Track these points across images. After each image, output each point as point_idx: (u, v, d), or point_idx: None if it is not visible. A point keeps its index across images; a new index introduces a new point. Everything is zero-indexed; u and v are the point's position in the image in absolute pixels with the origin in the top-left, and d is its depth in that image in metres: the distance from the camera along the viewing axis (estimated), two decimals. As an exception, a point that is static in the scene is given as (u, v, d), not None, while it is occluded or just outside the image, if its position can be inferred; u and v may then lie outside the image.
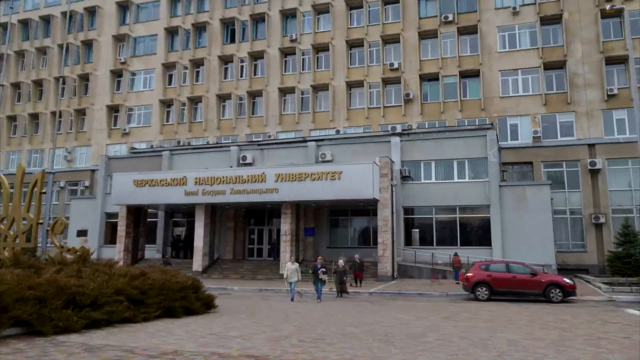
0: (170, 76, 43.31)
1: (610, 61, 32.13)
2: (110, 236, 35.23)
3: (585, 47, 32.86)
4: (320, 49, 38.86)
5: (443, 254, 27.67)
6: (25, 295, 7.72)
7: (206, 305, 12.07)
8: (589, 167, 30.91)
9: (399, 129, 32.77)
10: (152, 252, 33.32)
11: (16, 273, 8.42)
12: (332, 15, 38.84)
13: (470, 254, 27.42)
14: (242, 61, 41.05)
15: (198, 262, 28.86)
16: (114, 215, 34.81)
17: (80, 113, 45.41)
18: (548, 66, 33.29)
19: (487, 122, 33.20)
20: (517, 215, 27.44)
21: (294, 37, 39.31)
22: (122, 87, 44.46)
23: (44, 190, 15.35)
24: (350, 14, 38.76)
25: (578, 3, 33.33)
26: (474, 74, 34.92)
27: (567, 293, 17.22)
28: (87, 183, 42.59)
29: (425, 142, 29.86)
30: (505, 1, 35.10)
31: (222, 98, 41.13)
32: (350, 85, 37.63)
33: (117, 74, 44.84)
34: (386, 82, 36.70)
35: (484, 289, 17.88)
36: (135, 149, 39.54)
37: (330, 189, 25.61)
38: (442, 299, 19.00)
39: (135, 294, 9.53)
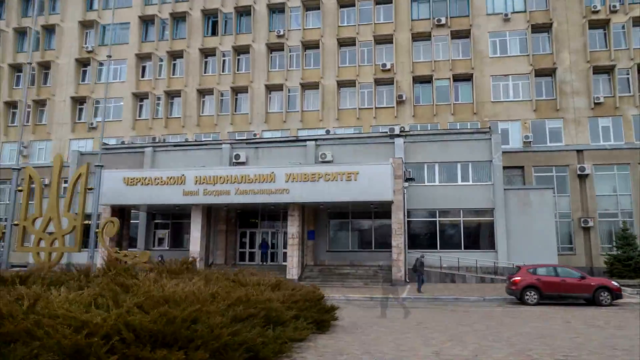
0: (144, 68, 40.67)
1: (597, 70, 33.37)
2: (79, 239, 32.31)
3: (573, 56, 33.97)
4: (310, 46, 37.81)
5: (450, 258, 27.55)
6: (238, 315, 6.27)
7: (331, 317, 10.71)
8: (578, 173, 31.91)
9: (396, 130, 32.34)
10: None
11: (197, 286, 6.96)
12: (322, 12, 37.91)
13: (475, 257, 27.53)
14: (224, 55, 39.22)
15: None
16: (86, 216, 32.07)
17: (39, 104, 41.66)
18: (538, 73, 34.11)
19: (480, 126, 33.58)
20: (521, 219, 27.77)
21: (281, 33, 38.00)
22: (89, 77, 41.25)
23: (90, 186, 13.47)
24: (341, 12, 38.00)
25: (566, 13, 34.41)
26: (466, 78, 35.21)
27: (615, 296, 17.37)
28: (47, 181, 39.03)
29: (428, 144, 29.63)
30: (497, 7, 35.67)
31: (203, 93, 39.08)
32: (341, 85, 36.86)
33: (83, 63, 41.55)
34: (378, 82, 36.25)
35: (533, 293, 17.68)
36: (106, 144, 36.64)
37: (345, 190, 24.70)
38: (485, 303, 18.60)
39: (295, 308, 8.21)
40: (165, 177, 26.67)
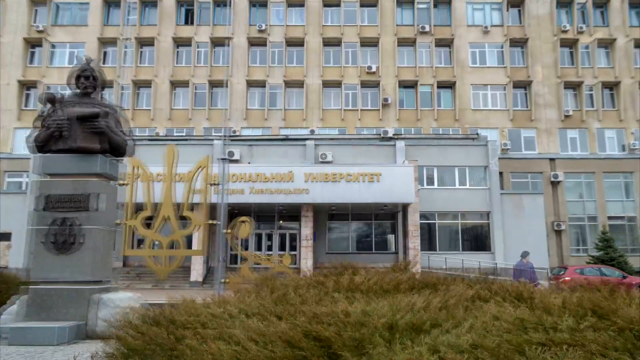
0: (106, 54, 37.15)
1: (567, 85, 35.92)
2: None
3: (545, 70, 36.28)
4: (293, 43, 36.78)
5: (450, 259, 28.03)
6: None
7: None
8: (551, 180, 34.07)
9: (389, 133, 32.38)
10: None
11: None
12: (306, 9, 37.09)
13: (473, 259, 28.26)
14: (199, 46, 36.94)
15: (198, 271, 24.97)
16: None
17: (-24, 87, 36.45)
18: (515, 85, 35.99)
19: (460, 133, 34.73)
20: (516, 222, 29.03)
21: (263, 28, 36.59)
22: (39, 60, 36.82)
23: (215, 182, 11.83)
24: (325, 11, 37.42)
25: (539, 30, 36.69)
26: (448, 85, 36.25)
27: (656, 294, 18.58)
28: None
29: (428, 148, 30.03)
30: (477, 20, 37.16)
31: (175, 85, 36.48)
32: (325, 85, 36.26)
33: (32, 44, 37.01)
34: (363, 84, 36.15)
35: (585, 292, 18.39)
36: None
37: (368, 192, 24.22)
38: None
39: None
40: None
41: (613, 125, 35.63)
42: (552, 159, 34.76)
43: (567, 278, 19.04)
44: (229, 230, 11.95)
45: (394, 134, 32.16)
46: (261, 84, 36.30)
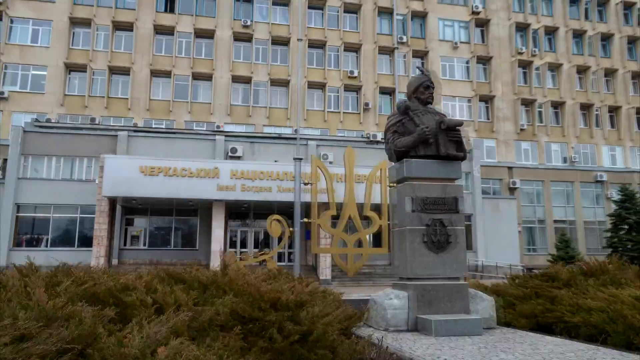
0: (77, 34, 34.37)
1: (522, 102, 40.07)
2: (19, 236, 26.21)
3: (505, 87, 40.13)
4: (278, 42, 36.86)
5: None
6: None
7: None
8: (510, 186, 37.86)
9: (378, 137, 33.89)
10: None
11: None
12: (291, 9, 37.35)
13: (459, 257, 30.77)
14: (180, 36, 35.58)
15: (217, 269, 24.41)
16: (29, 207, 26.51)
17: None
18: (480, 98, 39.38)
19: (432, 139, 37.25)
20: (494, 224, 32.07)
21: (247, 23, 36.22)
22: (-4, 35, 33.12)
23: (392, 184, 12.23)
24: (309, 12, 37.94)
25: (500, 51, 40.46)
26: (422, 94, 38.57)
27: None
28: None
29: (419, 153, 31.91)
30: (447, 35, 40.01)
31: (155, 74, 34.79)
32: (309, 86, 36.82)
33: (-13, 16, 33.15)
34: (345, 88, 37.28)
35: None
36: (39, 120, 30.05)
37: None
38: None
39: None
40: (195, 169, 23.65)
41: (558, 140, 40.43)
42: (510, 167, 38.56)
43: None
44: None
45: (381, 138, 33.66)
46: (245, 80, 35.94)
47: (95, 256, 23.36)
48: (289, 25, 37.26)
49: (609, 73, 41.89)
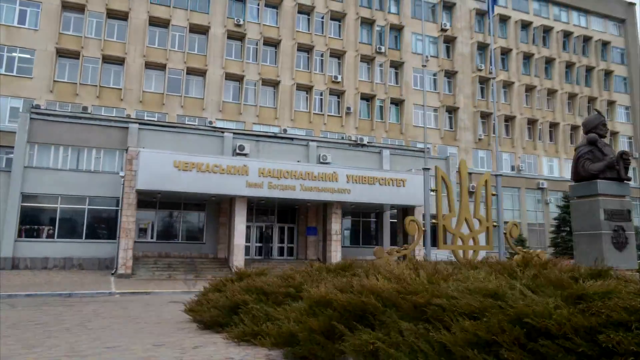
0: (68, 19, 33.29)
1: (481, 115, 44.53)
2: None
3: (466, 100, 44.36)
4: (269, 43, 38.04)
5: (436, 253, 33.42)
6: None
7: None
8: (470, 190, 42.10)
9: (365, 140, 36.39)
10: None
11: None
12: (281, 12, 38.66)
13: (435, 252, 34.19)
14: (175, 29, 35.64)
15: (240, 262, 25.53)
16: (35, 197, 26.12)
17: None
18: (446, 109, 43.24)
19: (404, 145, 40.60)
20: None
21: (240, 22, 37.07)
22: (-22, 12, 31.29)
23: (494, 192, 14.56)
24: (298, 17, 39.45)
25: (463, 67, 44.61)
26: (397, 102, 41.73)
27: None
28: None
29: (404, 158, 34.94)
30: (418, 48, 43.39)
31: (149, 66, 34.62)
32: (297, 87, 38.42)
33: (-30, -8, 31.21)
34: (329, 91, 39.35)
35: None
36: (37, 107, 29.07)
37: (395, 195, 28.04)
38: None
39: None
40: (225, 165, 24.61)
41: (508, 150, 45.46)
42: (470, 173, 42.81)
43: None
44: (505, 231, 14.89)
45: (367, 142, 36.27)
46: (237, 78, 36.81)
47: (124, 248, 23.62)
48: (279, 27, 38.58)
49: (550, 93, 47.68)
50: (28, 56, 31.98)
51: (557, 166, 47.19)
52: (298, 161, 28.17)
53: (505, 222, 14.32)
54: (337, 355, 4.49)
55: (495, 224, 14.85)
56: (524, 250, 15.26)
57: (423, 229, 14.31)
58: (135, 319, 10.05)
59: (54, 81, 32.28)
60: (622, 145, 50.33)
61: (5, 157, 30.16)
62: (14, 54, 31.79)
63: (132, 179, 24.01)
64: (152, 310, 11.90)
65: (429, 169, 15.03)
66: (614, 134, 50.07)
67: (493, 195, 14.96)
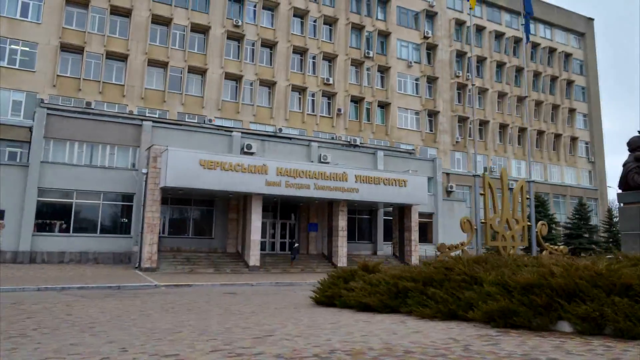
0: (71, 14, 33.26)
1: (459, 119, 47.41)
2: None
3: (445, 104, 47.11)
4: (266, 44, 39.21)
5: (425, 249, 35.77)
6: None
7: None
8: (448, 189, 44.96)
9: (357, 141, 38.30)
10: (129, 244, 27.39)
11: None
12: (277, 14, 39.89)
13: (423, 248, 36.72)
14: (176, 28, 36.22)
15: (256, 256, 26.91)
16: (52, 192, 26.59)
17: None
18: (427, 112, 45.81)
19: (389, 145, 42.88)
20: (450, 221, 38.47)
21: (239, 24, 38.08)
22: (-20, 3, 30.85)
23: (527, 196, 16.69)
24: (293, 20, 40.78)
25: (443, 73, 47.30)
26: (383, 105, 43.90)
27: None
28: None
29: (396, 159, 37.10)
30: (403, 54, 45.71)
31: (150, 64, 35.07)
32: (291, 88, 39.81)
33: (-28, -17, 30.71)
34: (322, 93, 40.97)
35: None
36: (53, 105, 29.19)
37: (397, 194, 30.13)
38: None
39: None
40: (246, 164, 25.87)
41: (482, 152, 48.62)
42: (447, 174, 45.68)
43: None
44: (537, 230, 17.08)
45: (360, 143, 38.24)
46: (236, 78, 37.81)
47: (149, 243, 24.51)
48: (275, 29, 39.81)
49: (520, 100, 51.26)
50: (30, 50, 31.83)
51: (524, 169, 50.85)
52: (311, 161, 29.71)
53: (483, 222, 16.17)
54: (553, 322, 6.32)
55: (529, 223, 17.09)
56: (551, 246, 17.64)
57: (475, 227, 16.36)
58: (262, 305, 11.24)
59: (57, 75, 32.29)
60: (580, 149, 54.82)
61: (7, 150, 30.08)
62: (16, 47, 31.57)
63: (157, 176, 24.91)
64: (242, 298, 13.23)
65: (478, 175, 17.02)
66: (574, 139, 54.44)
67: (528, 198, 17.24)
